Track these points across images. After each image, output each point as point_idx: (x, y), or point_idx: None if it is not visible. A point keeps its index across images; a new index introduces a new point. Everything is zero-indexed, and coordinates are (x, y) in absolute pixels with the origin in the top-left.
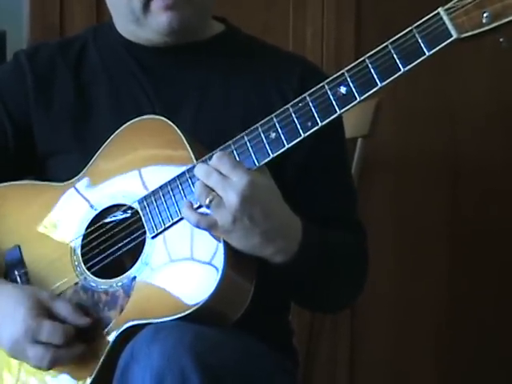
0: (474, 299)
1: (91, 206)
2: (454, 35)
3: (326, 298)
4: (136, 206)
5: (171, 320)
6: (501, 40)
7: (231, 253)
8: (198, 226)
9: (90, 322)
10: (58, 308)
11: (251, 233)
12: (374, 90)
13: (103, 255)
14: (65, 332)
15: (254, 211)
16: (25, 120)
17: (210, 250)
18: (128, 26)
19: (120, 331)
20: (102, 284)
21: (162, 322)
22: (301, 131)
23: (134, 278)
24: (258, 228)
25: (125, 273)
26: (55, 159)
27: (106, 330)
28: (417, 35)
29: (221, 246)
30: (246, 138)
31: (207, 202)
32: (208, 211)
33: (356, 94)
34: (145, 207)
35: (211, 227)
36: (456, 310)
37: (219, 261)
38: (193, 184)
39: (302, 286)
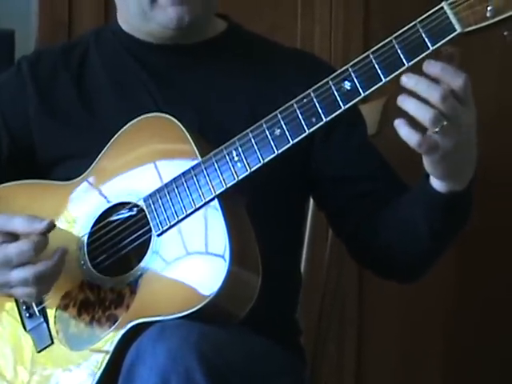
0: (482, 286)
1: (96, 205)
2: (458, 29)
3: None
4: (141, 203)
5: (177, 318)
6: (505, 34)
7: (237, 249)
8: (418, 147)
9: (52, 222)
10: (15, 226)
11: (461, 161)
12: (379, 85)
13: (109, 253)
14: (31, 245)
15: (472, 139)
16: (23, 129)
17: (216, 246)
18: (133, 19)
19: (126, 329)
20: (108, 282)
21: (167, 321)
22: (305, 127)
23: (141, 275)
24: (468, 157)
25: (131, 270)
26: (60, 166)
27: (112, 328)
28: (420, 30)
29: (227, 242)
30: (250, 135)
31: (437, 129)
32: None
33: (360, 90)
34: (150, 205)
35: (433, 150)
36: (463, 297)
37: (225, 258)
38: (198, 181)
39: (447, 230)
